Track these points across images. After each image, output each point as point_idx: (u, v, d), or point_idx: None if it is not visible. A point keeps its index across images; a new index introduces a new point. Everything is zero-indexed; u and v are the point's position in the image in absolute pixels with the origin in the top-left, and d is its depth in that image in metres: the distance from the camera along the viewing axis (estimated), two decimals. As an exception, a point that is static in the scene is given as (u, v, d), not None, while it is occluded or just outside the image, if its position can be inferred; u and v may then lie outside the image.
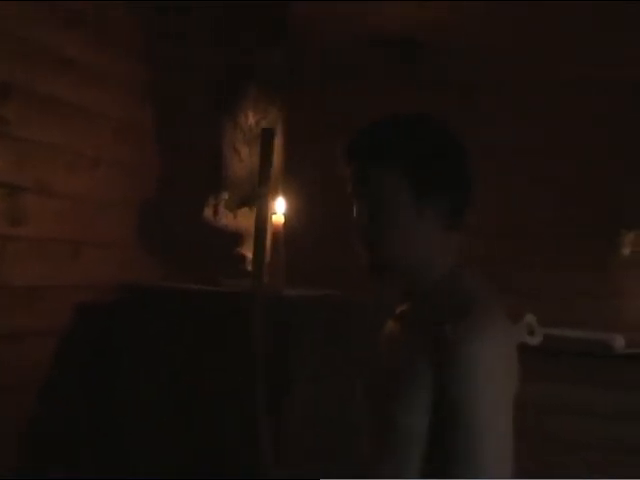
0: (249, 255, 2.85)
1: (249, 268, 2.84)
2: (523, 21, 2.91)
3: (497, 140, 3.32)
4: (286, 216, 2.69)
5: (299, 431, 2.50)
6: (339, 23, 3.08)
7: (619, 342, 3.23)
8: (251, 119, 2.88)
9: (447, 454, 1.40)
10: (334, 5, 2.88)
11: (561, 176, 3.36)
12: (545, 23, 2.92)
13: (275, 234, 2.65)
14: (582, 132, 3.34)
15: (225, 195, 2.88)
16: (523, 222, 3.38)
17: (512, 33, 3.01)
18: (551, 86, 3.34)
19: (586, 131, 3.33)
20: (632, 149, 3.30)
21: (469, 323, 1.40)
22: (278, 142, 2.92)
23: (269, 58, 2.86)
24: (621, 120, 3.30)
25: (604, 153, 3.33)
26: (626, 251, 3.29)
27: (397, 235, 1.51)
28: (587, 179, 3.34)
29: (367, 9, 2.88)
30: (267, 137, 2.34)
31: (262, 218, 2.34)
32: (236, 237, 2.88)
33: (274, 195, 2.80)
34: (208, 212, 2.85)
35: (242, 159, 2.89)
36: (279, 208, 2.68)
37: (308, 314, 2.59)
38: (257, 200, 2.34)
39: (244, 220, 2.88)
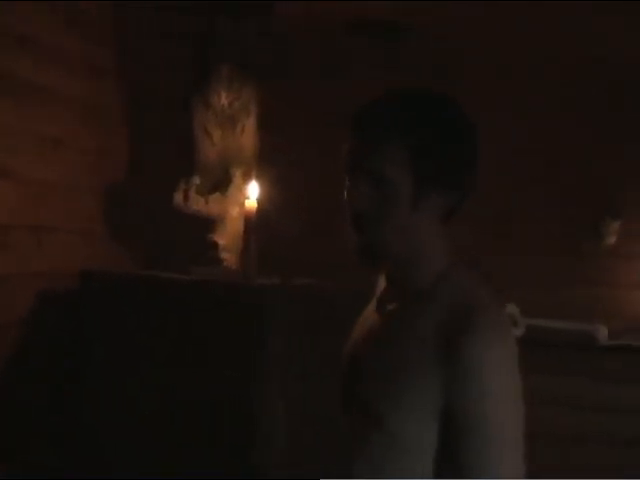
0: (221, 242, 2.78)
1: (221, 255, 2.77)
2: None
3: (479, 123, 3.23)
4: (259, 201, 2.59)
5: (277, 419, 2.42)
6: (320, 7, 2.97)
7: (602, 333, 3.17)
8: (224, 99, 2.78)
9: (462, 469, 1.30)
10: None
11: (545, 163, 3.28)
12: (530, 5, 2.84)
13: (247, 220, 2.56)
14: (566, 117, 3.25)
15: (196, 180, 2.80)
16: (505, 209, 3.29)
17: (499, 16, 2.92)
18: (538, 68, 3.25)
19: (571, 116, 3.25)
20: (619, 136, 3.23)
21: (480, 326, 1.31)
22: (252, 124, 2.83)
23: (242, 36, 2.75)
24: (608, 106, 3.22)
25: (590, 140, 3.25)
26: (611, 240, 3.23)
27: (393, 219, 1.39)
28: (572, 166, 3.26)
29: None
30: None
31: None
32: (208, 223, 2.80)
33: (247, 179, 2.72)
34: (178, 197, 2.77)
35: (214, 142, 2.80)
36: (252, 193, 2.59)
37: (283, 303, 2.50)
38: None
39: (216, 206, 2.80)
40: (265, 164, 2.87)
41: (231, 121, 2.81)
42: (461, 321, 1.31)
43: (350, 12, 3.05)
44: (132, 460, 2.41)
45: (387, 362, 1.39)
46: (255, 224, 2.57)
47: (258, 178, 2.69)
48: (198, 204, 2.78)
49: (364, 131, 1.41)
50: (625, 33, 3.02)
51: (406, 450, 1.35)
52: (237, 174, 2.80)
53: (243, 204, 2.61)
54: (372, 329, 1.50)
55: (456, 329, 1.31)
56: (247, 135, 2.84)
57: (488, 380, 1.30)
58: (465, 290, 1.39)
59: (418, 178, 1.38)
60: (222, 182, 2.81)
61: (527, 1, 2.84)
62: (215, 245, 2.77)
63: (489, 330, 1.31)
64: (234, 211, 2.78)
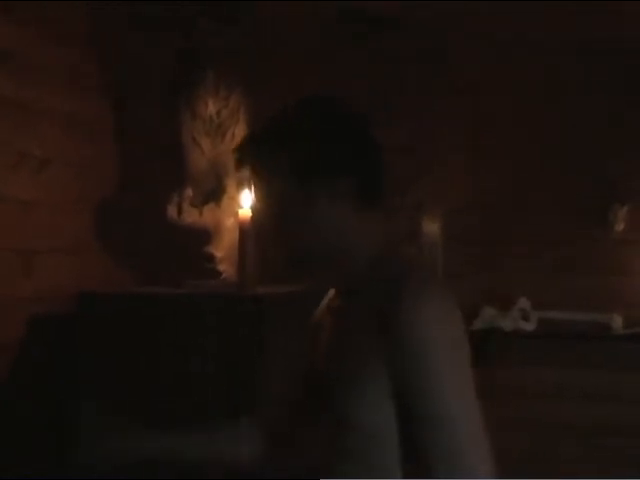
0: (218, 253, 2.72)
1: (218, 267, 2.71)
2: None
3: (480, 112, 3.16)
4: (254, 210, 2.52)
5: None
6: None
7: (617, 322, 3.11)
8: (211, 108, 2.71)
9: (424, 454, 1.30)
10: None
11: (553, 151, 3.21)
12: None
13: (242, 230, 2.50)
14: (572, 104, 3.18)
15: (189, 192, 2.73)
16: (513, 200, 3.22)
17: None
18: (538, 53, 3.17)
19: (577, 103, 3.17)
20: (627, 122, 3.15)
21: (410, 300, 1.31)
22: (242, 131, 2.76)
23: (226, 41, 2.68)
24: (615, 92, 3.15)
25: (599, 127, 3.18)
26: (619, 227, 3.16)
27: (296, 227, 1.45)
28: (580, 153, 3.19)
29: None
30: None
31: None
32: (203, 235, 2.73)
33: (240, 188, 2.65)
34: (172, 211, 2.70)
35: (204, 152, 2.73)
36: (246, 202, 2.52)
37: (282, 311, 2.46)
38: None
39: (210, 217, 2.74)
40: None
41: (220, 129, 2.74)
42: (390, 296, 1.32)
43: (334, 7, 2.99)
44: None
45: (339, 359, 1.42)
46: (252, 233, 2.51)
47: (252, 186, 2.62)
48: (192, 216, 2.72)
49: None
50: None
51: (372, 444, 1.36)
52: (229, 183, 2.74)
53: (237, 214, 2.55)
54: (326, 332, 1.55)
55: (386, 305, 1.32)
56: (238, 142, 2.77)
57: (422, 343, 1.29)
58: (398, 271, 1.39)
59: (299, 180, 1.42)
60: (215, 192, 2.75)
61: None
62: (212, 257, 2.71)
63: (417, 297, 1.31)
64: (229, 221, 2.72)
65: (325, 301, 1.60)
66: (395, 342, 1.30)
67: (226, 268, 2.72)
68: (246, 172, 1.53)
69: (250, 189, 2.55)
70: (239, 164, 1.54)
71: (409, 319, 1.29)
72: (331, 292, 1.60)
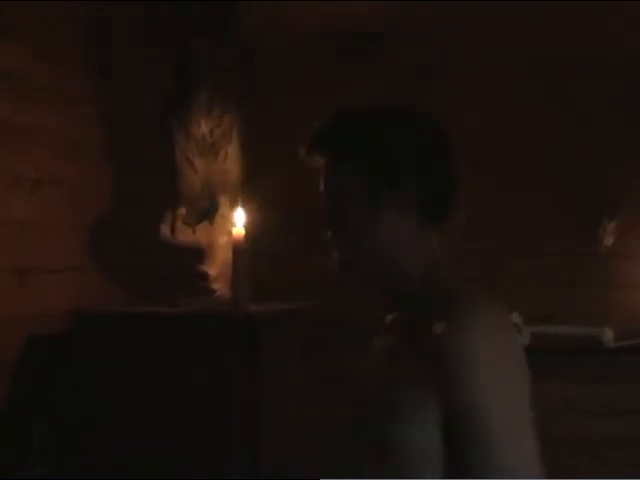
0: (211, 272, 2.73)
1: (212, 285, 2.72)
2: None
3: (469, 127, 3.18)
4: (247, 228, 2.54)
5: (275, 451, 2.38)
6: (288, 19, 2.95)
7: (608, 335, 3.11)
8: (204, 127, 2.74)
9: (472, 472, 1.27)
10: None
11: (541, 165, 3.23)
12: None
13: (236, 248, 2.52)
14: (561, 118, 3.20)
15: (182, 210, 2.75)
16: (503, 216, 3.24)
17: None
18: (523, 69, 3.20)
19: (566, 117, 3.20)
20: (614, 137, 3.18)
21: (458, 318, 1.30)
22: (235, 150, 2.79)
23: (218, 61, 2.71)
24: (605, 107, 3.17)
25: (586, 141, 3.20)
26: (609, 241, 3.18)
27: (358, 232, 1.42)
28: (570, 167, 3.21)
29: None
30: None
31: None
32: (197, 254, 2.74)
33: (233, 206, 2.67)
34: (165, 230, 2.72)
35: (197, 171, 2.75)
36: (239, 220, 2.55)
37: (277, 330, 2.48)
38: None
39: (204, 235, 2.75)
40: (252, 188, 2.83)
41: (213, 148, 2.76)
42: (439, 314, 1.30)
43: (319, 24, 3.01)
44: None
45: (387, 381, 1.39)
46: (245, 251, 2.53)
47: (244, 204, 2.64)
48: (185, 235, 2.73)
49: (319, 153, 1.46)
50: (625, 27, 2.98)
51: (419, 468, 1.32)
52: (223, 202, 2.76)
53: (231, 232, 2.57)
54: (377, 351, 1.50)
55: (435, 323, 1.30)
56: (230, 162, 2.80)
57: (473, 361, 1.27)
58: (447, 286, 1.39)
59: (376, 189, 1.40)
60: (208, 211, 2.76)
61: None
62: (205, 275, 2.72)
63: (468, 315, 1.30)
64: (222, 240, 2.74)
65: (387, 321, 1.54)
66: (443, 358, 1.28)
67: (220, 286, 2.73)
68: (315, 162, 1.47)
69: (243, 208, 2.58)
70: (313, 151, 1.47)
71: (459, 335, 1.27)
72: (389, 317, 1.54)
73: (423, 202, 1.42)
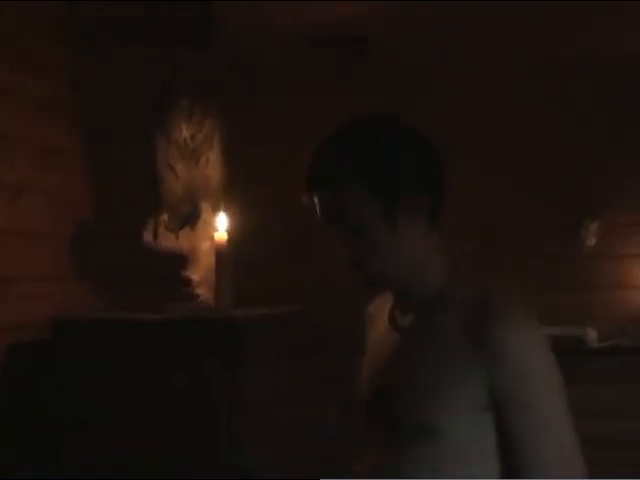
0: (195, 277, 2.73)
1: (195, 290, 2.72)
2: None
3: (455, 130, 3.19)
4: (230, 233, 2.54)
5: (261, 452, 2.38)
6: (271, 23, 2.95)
7: (591, 336, 3.13)
8: (185, 132, 2.73)
9: (527, 466, 1.36)
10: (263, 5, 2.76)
11: (526, 167, 3.24)
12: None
13: (218, 253, 2.51)
14: (545, 119, 3.22)
15: (164, 216, 2.74)
16: (485, 219, 3.25)
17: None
18: (523, 69, 3.21)
19: (550, 119, 3.21)
20: (598, 137, 3.19)
21: (504, 312, 1.39)
22: (216, 155, 2.78)
23: (199, 66, 2.71)
24: (588, 108, 3.19)
25: (571, 141, 3.22)
26: (591, 242, 3.19)
27: (378, 252, 1.45)
28: (553, 169, 3.22)
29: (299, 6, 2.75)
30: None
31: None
32: (180, 259, 2.74)
33: (215, 211, 2.67)
34: (148, 236, 2.71)
35: (178, 176, 2.74)
36: (221, 225, 2.54)
37: (259, 334, 2.48)
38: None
39: (186, 241, 2.75)
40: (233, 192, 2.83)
41: (195, 154, 2.76)
42: (484, 313, 1.38)
43: (306, 27, 3.02)
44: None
45: (424, 376, 1.42)
46: (228, 256, 2.53)
47: (227, 209, 2.64)
48: (168, 241, 2.73)
49: (317, 185, 1.46)
50: (625, 27, 2.99)
51: (465, 455, 1.38)
52: (205, 207, 2.75)
53: (213, 237, 2.56)
54: (395, 348, 1.52)
55: (481, 321, 1.37)
56: (212, 167, 2.80)
57: (526, 359, 1.36)
58: (475, 290, 1.46)
59: (383, 205, 1.42)
60: (190, 217, 2.76)
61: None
62: (189, 281, 2.72)
63: (513, 315, 1.39)
64: (205, 245, 2.73)
65: (381, 322, 1.60)
66: (494, 357, 1.35)
67: (204, 291, 2.73)
68: (315, 197, 1.47)
69: (225, 212, 2.57)
70: (313, 190, 1.47)
71: (508, 335, 1.35)
72: (386, 312, 1.59)
73: (431, 207, 1.47)
